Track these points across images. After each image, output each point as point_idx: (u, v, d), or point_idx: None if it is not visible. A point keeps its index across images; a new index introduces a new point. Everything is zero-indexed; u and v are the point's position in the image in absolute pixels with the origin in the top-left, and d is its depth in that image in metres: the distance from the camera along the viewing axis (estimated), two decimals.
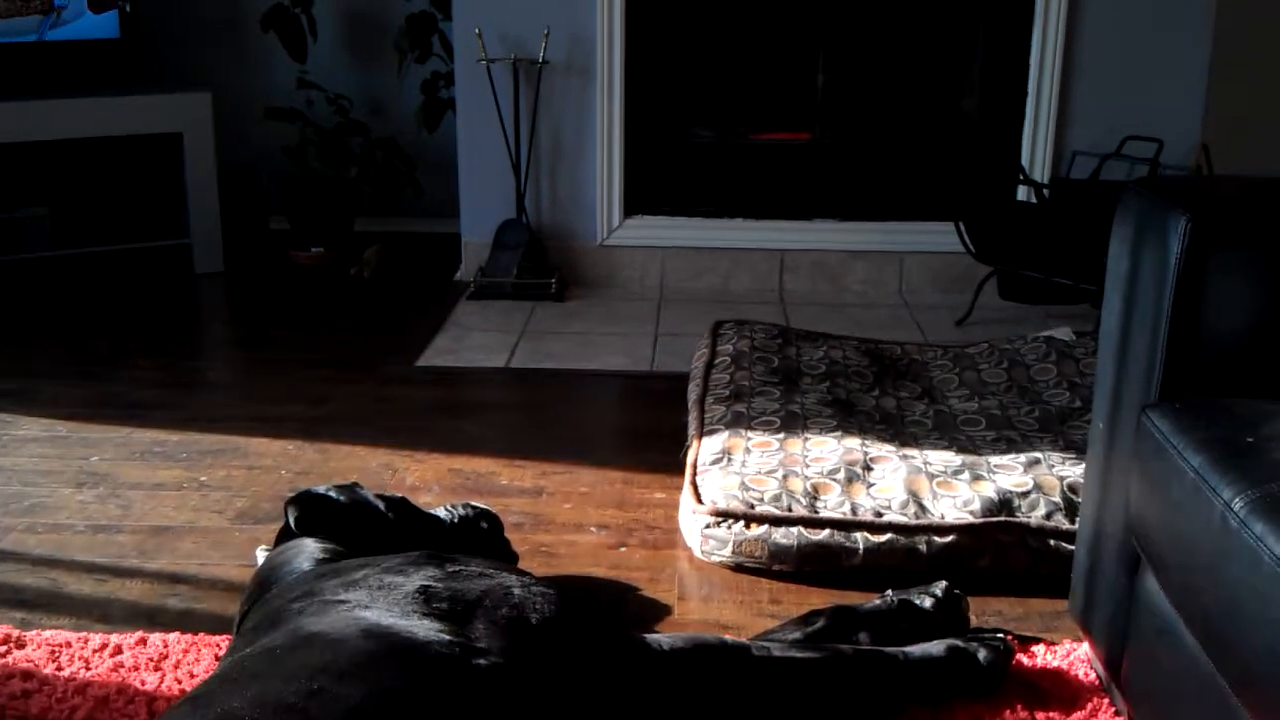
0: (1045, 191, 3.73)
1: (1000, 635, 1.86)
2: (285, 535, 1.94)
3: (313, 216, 4.40)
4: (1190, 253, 1.54)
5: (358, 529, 1.92)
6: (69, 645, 1.91)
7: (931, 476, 2.29)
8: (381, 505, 1.99)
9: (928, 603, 1.91)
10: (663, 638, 1.68)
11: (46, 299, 3.95)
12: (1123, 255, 1.69)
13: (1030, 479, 2.29)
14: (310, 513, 1.91)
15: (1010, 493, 2.25)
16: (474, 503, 2.15)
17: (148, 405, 3.01)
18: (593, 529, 2.37)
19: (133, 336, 3.60)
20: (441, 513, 2.10)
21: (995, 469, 2.35)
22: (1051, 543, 2.15)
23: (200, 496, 2.49)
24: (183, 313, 3.93)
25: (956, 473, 2.32)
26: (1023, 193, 3.95)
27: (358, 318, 3.85)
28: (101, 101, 4.02)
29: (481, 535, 2.07)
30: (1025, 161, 3.96)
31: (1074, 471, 2.32)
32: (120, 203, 4.27)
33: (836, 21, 4.11)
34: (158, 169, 4.24)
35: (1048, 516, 2.20)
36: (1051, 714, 1.74)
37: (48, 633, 1.95)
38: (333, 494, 1.96)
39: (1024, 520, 2.18)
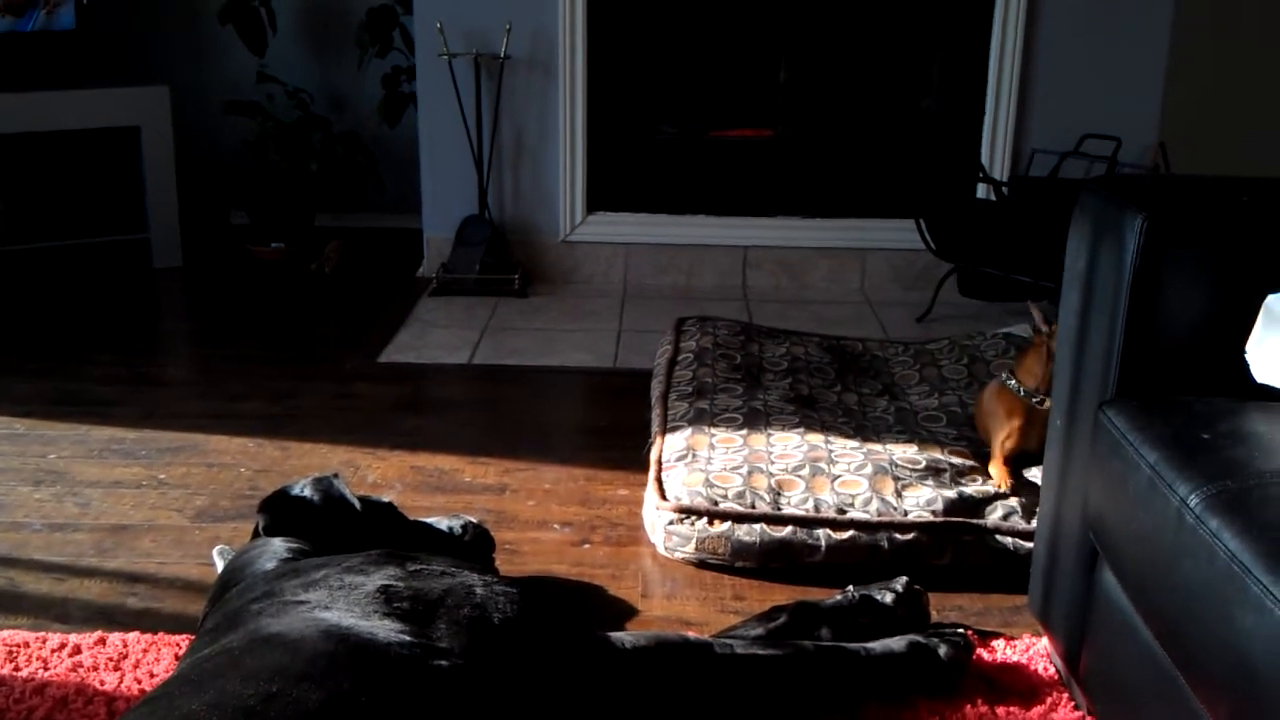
0: (1004, 189, 3.75)
1: (960, 630, 1.87)
2: (259, 533, 1.93)
3: (273, 211, 4.37)
4: (1146, 251, 1.55)
5: (330, 529, 1.90)
6: (27, 645, 1.89)
7: (897, 479, 2.30)
8: (357, 503, 1.97)
9: (889, 598, 1.93)
10: (625, 636, 1.68)
11: (2, 295, 3.90)
12: (1080, 253, 1.70)
13: (991, 486, 2.32)
14: (281, 517, 1.90)
15: (972, 496, 2.27)
16: (473, 519, 2.11)
17: (106, 402, 2.98)
18: (556, 526, 2.37)
19: (90, 333, 3.56)
20: (434, 522, 2.07)
21: (959, 477, 2.37)
22: (1011, 542, 2.17)
23: (159, 494, 2.47)
24: (141, 308, 3.89)
25: (921, 476, 2.33)
26: (983, 190, 3.98)
27: (318, 314, 3.83)
28: (57, 95, 3.97)
29: (466, 555, 2.00)
30: (985, 159, 3.99)
31: (1032, 471, 2.34)
32: (77, 197, 4.22)
33: (799, 19, 4.12)
34: (115, 163, 4.19)
35: (1005, 517, 2.23)
36: (1011, 709, 1.76)
37: (5, 633, 1.93)
38: (307, 493, 1.94)
39: (982, 523, 2.20)
